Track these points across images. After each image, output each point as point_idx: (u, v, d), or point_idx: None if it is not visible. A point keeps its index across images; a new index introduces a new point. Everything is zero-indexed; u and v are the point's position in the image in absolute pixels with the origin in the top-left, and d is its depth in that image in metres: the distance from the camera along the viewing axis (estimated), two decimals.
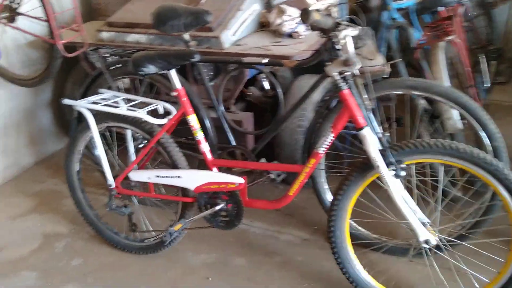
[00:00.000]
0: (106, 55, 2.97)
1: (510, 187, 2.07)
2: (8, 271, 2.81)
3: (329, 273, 2.61)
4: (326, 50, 2.15)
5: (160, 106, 2.54)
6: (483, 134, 2.53)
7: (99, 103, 2.57)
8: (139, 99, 2.62)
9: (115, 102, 2.59)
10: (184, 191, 2.58)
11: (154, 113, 2.52)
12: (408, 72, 3.52)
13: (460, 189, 2.78)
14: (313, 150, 2.30)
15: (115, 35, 3.36)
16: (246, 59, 2.60)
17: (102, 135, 2.70)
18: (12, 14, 3.16)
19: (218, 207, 2.50)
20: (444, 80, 2.90)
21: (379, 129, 2.18)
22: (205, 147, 2.52)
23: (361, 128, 2.13)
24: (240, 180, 2.43)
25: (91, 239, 3.01)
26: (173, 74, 2.45)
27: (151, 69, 2.38)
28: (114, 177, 2.68)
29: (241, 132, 2.96)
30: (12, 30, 3.27)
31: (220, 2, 3.21)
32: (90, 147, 2.87)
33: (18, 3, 3.13)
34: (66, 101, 2.62)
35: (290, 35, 3.14)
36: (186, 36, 2.62)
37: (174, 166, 2.55)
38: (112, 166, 2.74)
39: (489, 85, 3.96)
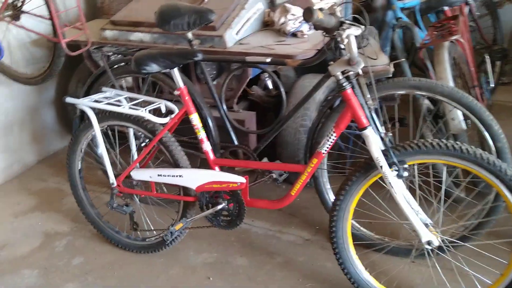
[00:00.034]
0: (109, 53, 2.96)
1: None
2: (9, 269, 2.81)
3: (331, 273, 2.60)
4: (330, 49, 2.14)
5: (162, 105, 2.53)
6: (486, 135, 2.51)
7: (101, 101, 2.56)
8: (142, 97, 2.62)
9: (118, 100, 2.59)
10: (185, 190, 2.57)
11: (156, 112, 2.51)
12: (412, 72, 3.50)
13: (463, 189, 2.77)
14: (316, 149, 2.29)
15: (119, 33, 3.36)
16: (249, 58, 2.60)
17: (104, 134, 2.69)
18: (16, 12, 3.16)
19: (219, 207, 2.49)
20: (448, 80, 2.88)
21: (382, 129, 2.17)
22: (207, 146, 2.52)
23: (364, 128, 2.12)
24: (241, 179, 2.42)
25: (93, 238, 3.01)
26: (176, 73, 2.45)
27: (153, 67, 2.38)
28: (116, 175, 2.68)
29: (244, 131, 2.95)
30: (16, 28, 3.27)
31: (224, 1, 3.20)
32: (92, 145, 2.87)
33: (22, 2, 3.13)
34: (69, 100, 2.61)
35: (294, 34, 3.13)
36: (189, 35, 2.62)
37: (176, 165, 2.54)
38: (114, 164, 2.74)
39: (494, 85, 3.95)
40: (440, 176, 2.47)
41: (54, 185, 3.67)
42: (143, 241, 2.84)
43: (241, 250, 2.84)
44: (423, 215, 2.22)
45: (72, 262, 2.84)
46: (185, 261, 2.78)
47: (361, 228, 2.70)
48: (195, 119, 2.47)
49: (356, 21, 2.10)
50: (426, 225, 2.19)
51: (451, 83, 2.87)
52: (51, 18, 2.98)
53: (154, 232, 2.85)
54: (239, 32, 3.12)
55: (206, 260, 2.78)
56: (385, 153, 2.12)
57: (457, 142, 2.08)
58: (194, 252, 2.84)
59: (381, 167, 2.11)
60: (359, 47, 2.06)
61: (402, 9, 3.67)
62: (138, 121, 2.53)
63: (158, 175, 2.53)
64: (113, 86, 2.86)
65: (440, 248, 2.27)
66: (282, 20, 3.17)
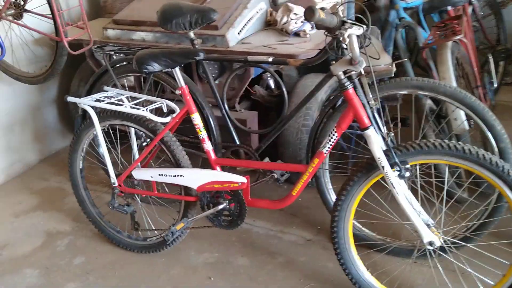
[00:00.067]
0: (111, 52, 2.96)
1: None
2: (11, 268, 2.81)
3: (332, 274, 2.59)
4: (332, 49, 2.13)
5: (164, 104, 2.52)
6: (489, 135, 2.50)
7: (103, 100, 2.56)
8: (143, 97, 2.61)
9: (119, 100, 2.58)
10: (186, 190, 2.57)
11: (158, 111, 2.50)
12: (415, 71, 3.50)
13: (466, 190, 2.76)
14: (317, 149, 2.29)
15: (121, 33, 3.36)
16: (251, 58, 2.59)
17: (106, 133, 2.69)
18: (18, 11, 3.15)
19: (220, 207, 2.49)
20: (451, 80, 2.88)
21: (384, 129, 2.16)
22: (208, 146, 2.51)
23: (365, 128, 2.12)
24: (243, 179, 2.41)
25: (94, 237, 3.01)
26: (177, 72, 2.44)
27: (155, 67, 2.37)
28: (117, 175, 2.67)
29: (245, 131, 2.94)
30: (18, 27, 3.27)
31: (226, 0, 3.20)
32: (94, 145, 2.87)
33: (24, 0, 3.12)
34: (70, 99, 2.61)
35: (296, 34, 3.13)
36: (191, 34, 2.62)
37: (177, 164, 2.54)
38: (115, 164, 2.74)
39: (497, 85, 3.94)
40: (442, 176, 2.46)
41: (56, 185, 3.67)
42: (144, 241, 2.84)
43: (242, 250, 2.83)
44: (425, 216, 2.21)
45: (74, 261, 2.83)
46: (186, 261, 2.78)
47: (363, 228, 2.69)
48: (196, 118, 2.47)
49: (358, 20, 2.09)
50: (428, 225, 2.18)
51: (454, 83, 2.86)
52: (53, 17, 2.97)
53: (155, 232, 2.85)
54: (241, 32, 3.12)
55: (207, 260, 2.77)
56: (387, 153, 2.11)
57: (460, 143, 2.07)
58: (195, 252, 2.83)
59: (383, 167, 2.10)
60: (361, 47, 2.05)
61: (405, 9, 3.67)
62: (139, 120, 2.53)
63: (159, 174, 2.52)
64: (115, 86, 2.86)
65: (442, 248, 2.26)
66: (285, 19, 3.16)
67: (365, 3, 3.92)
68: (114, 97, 2.60)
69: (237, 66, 2.91)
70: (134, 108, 2.49)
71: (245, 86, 3.12)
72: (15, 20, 3.17)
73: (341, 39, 2.02)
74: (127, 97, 2.60)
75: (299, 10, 3.12)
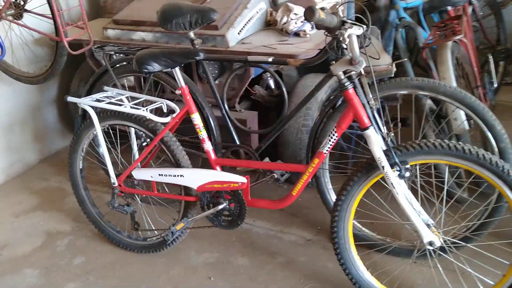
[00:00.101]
0: (111, 52, 2.96)
1: None
2: (11, 268, 2.81)
3: (332, 274, 2.59)
4: (332, 49, 2.13)
5: (164, 104, 2.52)
6: (489, 135, 2.50)
7: (103, 100, 2.56)
8: (143, 97, 2.61)
9: (119, 100, 2.58)
10: (186, 190, 2.57)
11: (158, 111, 2.50)
12: (416, 71, 3.49)
13: (466, 190, 2.76)
14: (317, 149, 2.29)
15: (121, 33, 3.36)
16: (251, 58, 2.58)
17: (106, 133, 2.69)
18: (18, 11, 3.15)
19: (220, 207, 2.49)
20: (451, 80, 2.88)
21: (384, 129, 2.16)
22: (208, 146, 2.51)
23: (365, 128, 2.11)
24: (242, 179, 2.41)
25: (94, 237, 3.01)
26: (177, 72, 2.44)
27: (155, 67, 2.37)
28: (117, 175, 2.67)
29: (245, 131, 2.94)
30: (18, 27, 3.27)
31: (226, 0, 3.20)
32: (94, 145, 2.87)
33: (24, 0, 3.12)
34: (70, 99, 2.61)
35: (296, 34, 3.13)
36: (191, 34, 2.62)
37: (177, 164, 2.53)
38: (115, 164, 2.74)
39: (497, 85, 3.94)
40: (442, 176, 2.46)
41: (56, 185, 3.67)
42: (144, 241, 2.84)
43: (242, 250, 2.83)
44: (425, 216, 2.21)
45: (74, 261, 2.83)
46: (186, 261, 2.78)
47: (363, 228, 2.69)
48: (196, 118, 2.47)
49: (359, 20, 2.09)
50: (428, 225, 2.18)
51: (454, 83, 2.86)
52: (53, 17, 2.97)
53: (155, 232, 2.85)
54: (241, 32, 3.12)
55: (207, 260, 2.77)
56: (387, 153, 2.11)
57: (459, 143, 2.06)
58: (195, 252, 2.83)
59: (382, 167, 2.10)
60: (361, 47, 2.05)
61: (405, 9, 3.67)
62: (139, 120, 2.53)
63: (159, 174, 2.52)
64: (115, 86, 2.86)
65: (442, 248, 2.26)
66: (285, 19, 3.16)
67: (365, 3, 3.92)
68: (114, 97, 2.60)
69: (237, 66, 2.91)
70: (134, 108, 2.49)
71: (245, 86, 3.12)
72: (15, 20, 3.16)
73: (341, 39, 2.02)
74: (127, 97, 2.60)
75: (299, 10, 3.12)
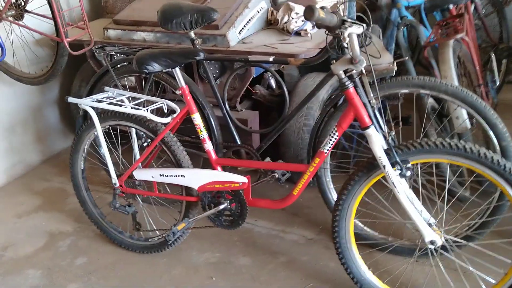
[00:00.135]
0: (112, 53, 2.96)
1: None
2: (13, 269, 2.81)
3: (334, 273, 2.59)
4: (332, 48, 2.12)
5: (164, 104, 2.52)
6: (491, 134, 2.49)
7: (103, 101, 2.56)
8: (144, 97, 2.61)
9: (120, 100, 2.58)
10: (187, 190, 2.56)
11: (159, 111, 2.50)
12: (418, 70, 3.49)
13: (469, 188, 2.75)
14: (318, 149, 2.28)
15: (122, 33, 3.36)
16: (251, 57, 2.58)
17: (107, 134, 2.69)
18: (19, 11, 3.15)
19: (221, 207, 2.48)
20: (453, 79, 2.87)
21: (385, 128, 2.16)
22: (209, 145, 2.51)
23: (366, 127, 2.11)
24: (243, 179, 2.41)
25: (96, 238, 3.01)
26: (178, 72, 2.44)
27: (155, 67, 2.36)
28: (119, 175, 2.67)
29: (247, 131, 2.93)
30: (19, 27, 3.27)
31: (227, 0, 3.19)
32: (95, 145, 2.87)
33: (25, 1, 3.12)
34: (71, 99, 2.61)
35: (297, 33, 3.12)
36: (192, 34, 2.61)
37: (178, 165, 2.53)
38: (117, 165, 2.73)
39: (499, 84, 3.92)
40: (444, 174, 2.45)
41: (58, 185, 3.68)
42: (146, 241, 2.83)
43: (244, 249, 2.83)
44: (426, 215, 2.20)
45: (76, 262, 2.83)
46: (187, 261, 2.78)
47: (365, 227, 2.68)
48: (197, 118, 2.47)
49: (360, 19, 2.09)
50: (430, 224, 2.17)
51: (455, 82, 2.85)
52: (53, 18, 2.98)
53: (157, 232, 2.85)
54: (242, 31, 3.11)
55: (209, 260, 2.77)
56: (387, 152, 2.10)
57: (461, 141, 2.06)
58: (197, 252, 2.83)
59: (383, 166, 2.09)
60: (361, 46, 2.05)
61: (407, 7, 3.67)
62: (140, 121, 2.52)
63: (160, 175, 2.52)
64: (116, 86, 2.86)
65: (443, 247, 2.25)
66: (286, 18, 3.16)
67: (366, 2, 3.91)
68: (114, 98, 2.60)
69: (238, 65, 2.91)
70: (134, 108, 2.49)
71: (246, 86, 3.11)
72: (16, 21, 3.17)
73: (341, 38, 2.01)
74: (127, 98, 2.60)
75: (300, 9, 3.11)
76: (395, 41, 3.66)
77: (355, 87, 2.12)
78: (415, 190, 2.28)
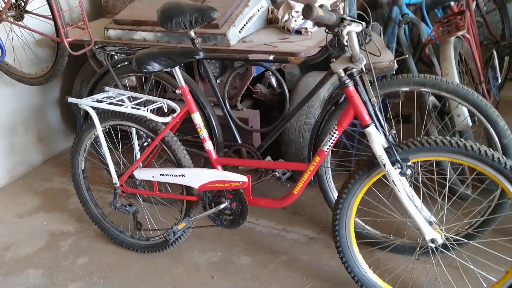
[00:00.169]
0: (112, 53, 2.96)
1: None
2: (14, 269, 2.81)
3: (335, 272, 2.58)
4: (333, 46, 2.12)
5: (164, 104, 2.51)
6: (492, 132, 2.49)
7: (103, 101, 2.56)
8: (144, 97, 2.61)
9: (120, 100, 2.58)
10: (188, 189, 2.56)
11: (160, 111, 2.50)
12: (420, 68, 3.47)
13: (470, 186, 2.74)
14: (318, 148, 2.27)
15: (122, 32, 3.35)
16: (251, 56, 2.57)
17: (108, 134, 2.69)
18: (19, 12, 3.15)
19: (222, 206, 2.48)
20: (454, 76, 2.86)
21: (385, 126, 2.15)
22: (209, 145, 2.50)
23: (366, 126, 2.10)
24: (244, 178, 2.41)
25: (97, 238, 3.01)
26: (177, 71, 2.44)
27: (154, 67, 2.36)
28: (119, 175, 2.67)
29: (247, 130, 2.93)
30: (19, 28, 3.27)
31: None
32: (96, 145, 2.87)
33: (25, 1, 3.12)
34: (71, 99, 2.61)
35: (298, 32, 3.11)
36: (192, 33, 2.61)
37: (178, 164, 2.53)
38: (117, 164, 2.73)
39: (501, 81, 3.91)
40: (444, 172, 2.44)
41: (59, 185, 3.68)
42: (147, 241, 2.83)
43: (245, 249, 2.82)
44: (427, 213, 2.20)
45: (77, 262, 2.84)
46: (189, 260, 2.77)
47: (366, 226, 2.68)
48: (197, 118, 2.46)
49: (361, 18, 2.08)
50: (430, 223, 2.17)
51: (456, 79, 2.84)
52: (53, 18, 2.98)
53: (158, 231, 2.84)
54: (242, 30, 3.10)
55: (210, 259, 2.77)
56: (388, 150, 2.09)
57: (461, 139, 2.05)
58: (198, 252, 2.83)
59: (384, 165, 2.09)
60: (361, 44, 2.04)
61: (408, 5, 3.66)
62: (140, 120, 2.52)
63: (161, 174, 2.52)
64: (116, 86, 2.86)
65: (444, 246, 2.25)
66: (286, 17, 3.15)
67: (367, 0, 3.90)
68: (115, 98, 2.61)
69: (238, 64, 2.91)
70: (134, 108, 2.48)
71: (246, 85, 3.11)
72: (16, 22, 3.17)
73: (341, 36, 2.01)
74: (128, 97, 2.60)
75: (301, 8, 3.09)
76: (396, 39, 3.65)
77: (355, 85, 2.11)
78: (416, 188, 2.28)
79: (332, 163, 2.81)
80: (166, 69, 2.42)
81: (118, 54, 2.98)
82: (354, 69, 2.09)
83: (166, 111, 2.52)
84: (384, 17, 3.74)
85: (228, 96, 2.84)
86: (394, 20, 3.64)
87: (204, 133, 2.49)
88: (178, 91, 2.46)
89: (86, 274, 2.74)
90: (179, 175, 2.48)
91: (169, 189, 2.91)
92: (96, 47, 2.88)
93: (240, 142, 2.79)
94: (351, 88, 2.10)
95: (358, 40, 2.02)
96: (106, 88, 2.72)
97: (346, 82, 2.10)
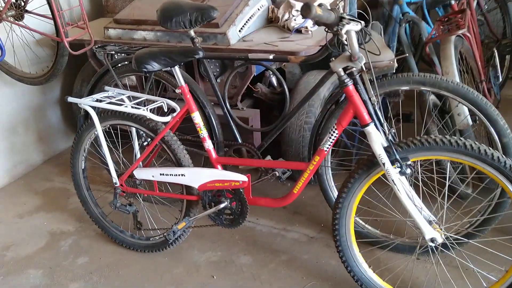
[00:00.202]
0: (112, 52, 2.96)
1: None
2: (14, 269, 2.81)
3: (335, 271, 2.58)
4: (332, 45, 2.11)
5: (164, 103, 2.51)
6: (492, 131, 2.48)
7: (103, 100, 2.56)
8: (144, 96, 2.60)
9: (120, 99, 2.58)
10: (188, 189, 2.56)
11: (160, 111, 2.50)
12: (421, 66, 3.47)
13: (470, 185, 2.74)
14: (318, 147, 2.27)
15: (122, 32, 3.35)
16: (252, 55, 2.57)
17: (107, 133, 2.69)
18: (19, 12, 3.15)
19: (222, 205, 2.48)
20: (454, 75, 2.85)
21: (385, 125, 2.14)
22: (209, 144, 2.50)
23: (366, 125, 2.10)
24: (243, 178, 2.40)
25: (97, 237, 3.01)
26: (177, 71, 2.44)
27: (154, 66, 2.36)
28: (119, 175, 2.67)
29: (248, 129, 2.93)
30: (19, 28, 3.27)
31: None
32: (96, 145, 2.86)
33: (25, 1, 3.12)
34: (71, 99, 2.61)
35: (298, 31, 3.11)
36: (192, 32, 2.61)
37: (178, 164, 2.53)
38: (117, 164, 2.73)
39: (502, 80, 3.90)
40: (444, 171, 2.44)
41: (60, 185, 3.68)
42: (147, 240, 2.83)
43: (245, 248, 2.82)
44: (427, 212, 2.19)
45: (77, 261, 2.84)
46: (189, 260, 2.77)
47: (366, 225, 2.68)
48: (196, 117, 2.46)
49: (361, 16, 2.07)
50: (430, 222, 2.16)
51: (456, 78, 2.84)
52: (53, 18, 2.97)
53: (158, 231, 2.84)
54: (242, 29, 3.10)
55: (210, 259, 2.76)
56: (387, 150, 2.08)
57: (461, 138, 2.04)
58: (198, 251, 2.83)
59: (383, 164, 2.08)
60: (360, 43, 2.03)
61: (409, 3, 3.64)
62: (140, 120, 2.52)
63: (161, 174, 2.52)
64: (116, 85, 2.85)
65: (444, 245, 2.24)
66: (286, 16, 3.15)
67: None
68: (114, 97, 2.60)
69: (239, 64, 2.91)
70: (134, 107, 2.48)
71: (246, 84, 3.11)
72: (16, 21, 3.17)
73: (340, 35, 2.00)
74: (128, 97, 2.60)
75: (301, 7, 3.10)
76: (397, 37, 3.64)
77: (355, 84, 2.10)
78: (416, 187, 2.27)
79: (333, 162, 2.81)
80: (166, 69, 2.42)
81: (118, 54, 2.98)
82: (354, 68, 2.08)
83: (166, 110, 2.52)
84: (385, 16, 3.73)
85: (228, 96, 2.84)
86: (394, 19, 3.64)
87: (204, 133, 2.49)
88: (177, 91, 2.46)
89: (86, 273, 2.74)
90: (179, 175, 2.48)
91: (169, 189, 2.92)
92: (96, 46, 2.88)
93: (240, 142, 2.79)
94: (351, 87, 2.10)
95: (358, 39, 2.02)
96: (106, 87, 2.72)
97: (345, 81, 2.10)
